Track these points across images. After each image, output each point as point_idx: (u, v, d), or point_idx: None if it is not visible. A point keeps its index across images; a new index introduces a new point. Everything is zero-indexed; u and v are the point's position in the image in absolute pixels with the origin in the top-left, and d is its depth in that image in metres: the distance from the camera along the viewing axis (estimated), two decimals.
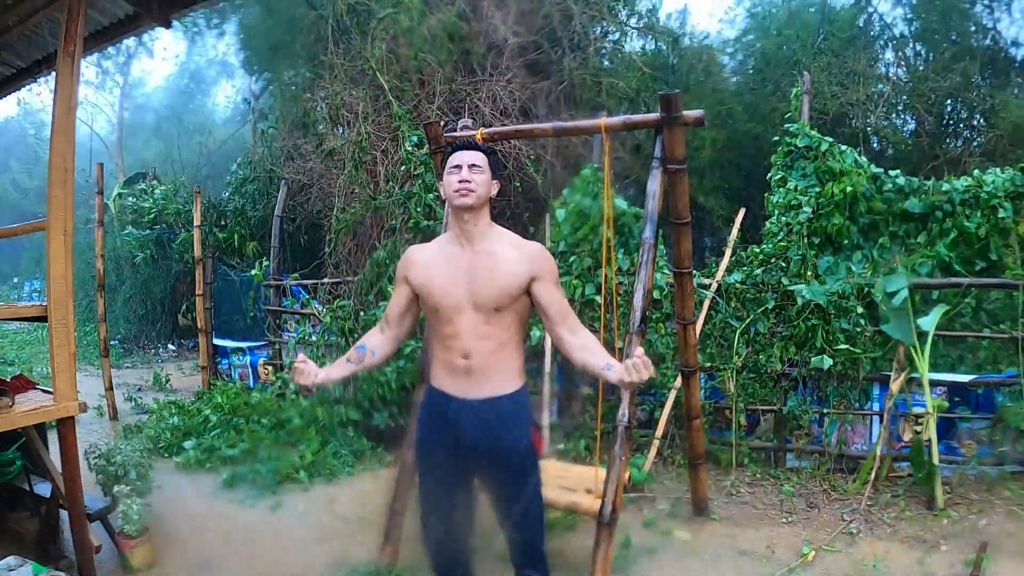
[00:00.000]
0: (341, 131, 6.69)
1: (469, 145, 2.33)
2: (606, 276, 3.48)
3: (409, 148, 6.09)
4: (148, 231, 11.14)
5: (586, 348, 2.23)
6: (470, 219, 2.26)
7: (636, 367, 1.98)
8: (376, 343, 2.40)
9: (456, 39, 6.69)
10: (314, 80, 7.06)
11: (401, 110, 6.31)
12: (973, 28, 9.02)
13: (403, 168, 6.12)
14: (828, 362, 4.66)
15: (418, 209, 5.86)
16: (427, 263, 2.32)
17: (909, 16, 9.52)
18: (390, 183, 6.18)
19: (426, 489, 2.44)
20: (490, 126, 6.35)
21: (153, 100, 27.05)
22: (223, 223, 9.16)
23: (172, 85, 26.32)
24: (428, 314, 2.36)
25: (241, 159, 9.84)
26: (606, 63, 7.33)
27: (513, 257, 2.25)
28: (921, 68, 9.21)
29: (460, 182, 2.24)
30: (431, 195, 5.89)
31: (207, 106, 24.77)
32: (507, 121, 6.57)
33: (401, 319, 2.39)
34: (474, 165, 2.27)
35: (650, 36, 8.03)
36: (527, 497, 2.33)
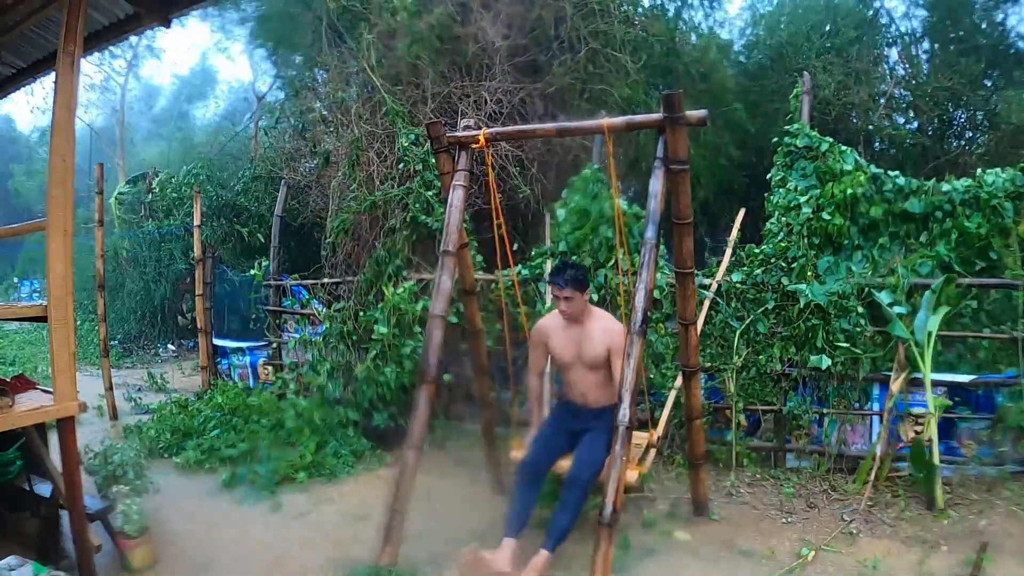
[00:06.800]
0: (336, 132, 6.65)
1: (561, 280, 3.49)
2: (620, 272, 3.59)
3: (405, 144, 6.07)
4: (149, 231, 11.13)
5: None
6: (574, 317, 3.61)
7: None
8: (539, 384, 3.96)
9: (445, 39, 6.65)
10: (310, 80, 7.03)
11: (397, 106, 6.27)
12: (976, 28, 9.00)
13: (400, 166, 6.09)
14: (827, 362, 4.66)
15: (416, 204, 5.87)
16: (554, 333, 3.71)
17: (912, 16, 9.52)
18: (387, 182, 6.14)
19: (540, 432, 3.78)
20: (490, 125, 6.33)
21: (155, 100, 27.10)
22: (235, 219, 9.19)
23: (175, 84, 26.36)
24: (556, 366, 3.88)
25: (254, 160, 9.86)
26: (598, 64, 7.28)
27: (600, 336, 3.57)
28: (925, 69, 9.20)
29: (561, 311, 3.61)
30: (430, 192, 5.87)
31: (209, 106, 24.78)
32: (503, 119, 6.54)
33: (543, 367, 3.95)
34: (567, 298, 3.52)
35: (649, 34, 7.97)
36: (598, 446, 3.50)
